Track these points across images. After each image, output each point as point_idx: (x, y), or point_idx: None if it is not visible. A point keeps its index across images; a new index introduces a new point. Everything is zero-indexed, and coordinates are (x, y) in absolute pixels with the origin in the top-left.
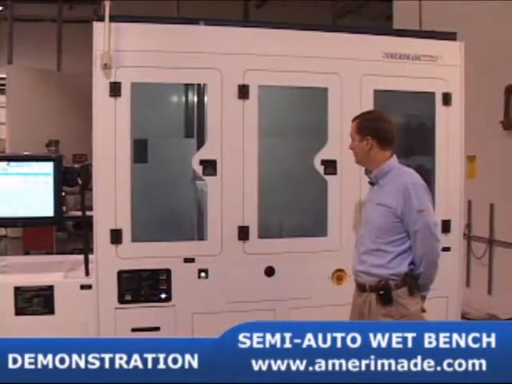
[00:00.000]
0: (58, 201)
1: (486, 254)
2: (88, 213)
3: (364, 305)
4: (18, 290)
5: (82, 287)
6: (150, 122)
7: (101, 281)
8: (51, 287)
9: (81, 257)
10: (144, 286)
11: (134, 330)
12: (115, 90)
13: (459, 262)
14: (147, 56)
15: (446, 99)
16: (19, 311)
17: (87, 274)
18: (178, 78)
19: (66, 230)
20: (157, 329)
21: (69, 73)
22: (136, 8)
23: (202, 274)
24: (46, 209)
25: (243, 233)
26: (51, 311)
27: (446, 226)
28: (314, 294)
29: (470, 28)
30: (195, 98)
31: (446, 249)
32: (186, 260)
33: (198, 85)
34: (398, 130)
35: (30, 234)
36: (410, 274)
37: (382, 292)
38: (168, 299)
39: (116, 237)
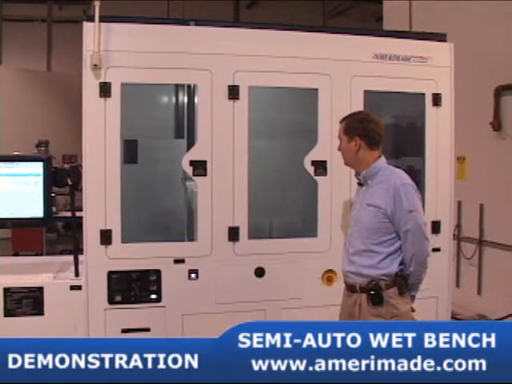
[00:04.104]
0: (48, 202)
1: (476, 254)
2: (78, 213)
3: (354, 305)
4: (7, 292)
5: (72, 288)
6: (140, 123)
7: (90, 282)
8: (41, 288)
9: (70, 258)
10: (134, 287)
11: (124, 330)
12: (105, 90)
13: (449, 263)
14: (137, 56)
15: (436, 100)
16: (8, 313)
17: (77, 274)
18: (168, 78)
19: (55, 231)
20: (147, 330)
21: (58, 73)
22: (126, 8)
23: (192, 275)
24: (36, 210)
25: (233, 233)
26: (41, 312)
27: (435, 227)
28: (304, 295)
29: (459, 29)
30: (185, 99)
31: (436, 249)
32: (176, 261)
33: (188, 85)
34: (388, 131)
35: (20, 235)
36: (400, 274)
37: (372, 292)
38: (158, 300)
39: (106, 237)
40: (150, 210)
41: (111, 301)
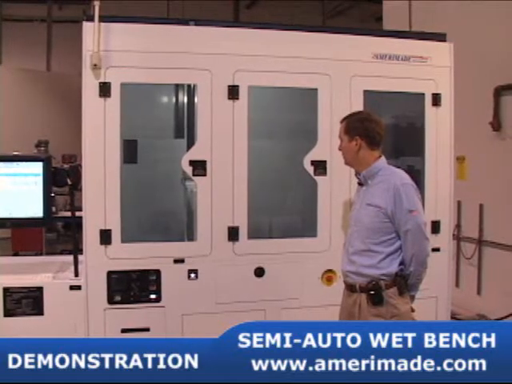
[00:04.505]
0: (48, 201)
1: (476, 254)
2: (77, 213)
3: (354, 305)
4: (6, 292)
5: (72, 288)
6: (140, 123)
7: (90, 282)
8: (40, 288)
9: (70, 258)
10: (133, 287)
11: (123, 330)
12: (105, 90)
13: (448, 263)
14: (137, 56)
15: (436, 100)
16: (8, 313)
17: (76, 274)
18: (167, 78)
19: (55, 231)
20: (146, 330)
21: (58, 73)
22: (126, 8)
23: (192, 275)
24: (36, 209)
25: (233, 233)
26: (40, 312)
27: (435, 227)
28: (303, 295)
29: (459, 29)
30: (185, 99)
31: (436, 249)
32: (176, 261)
33: (188, 85)
34: (388, 131)
35: (20, 235)
36: (400, 274)
37: (372, 292)
38: (158, 300)
39: (105, 237)
40: (149, 209)
41: (111, 301)
